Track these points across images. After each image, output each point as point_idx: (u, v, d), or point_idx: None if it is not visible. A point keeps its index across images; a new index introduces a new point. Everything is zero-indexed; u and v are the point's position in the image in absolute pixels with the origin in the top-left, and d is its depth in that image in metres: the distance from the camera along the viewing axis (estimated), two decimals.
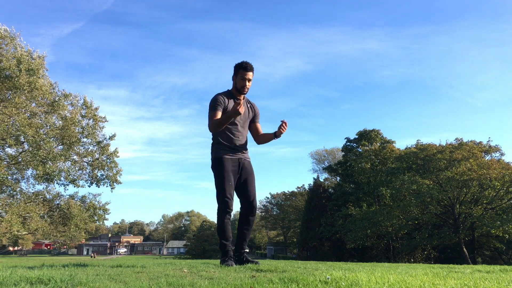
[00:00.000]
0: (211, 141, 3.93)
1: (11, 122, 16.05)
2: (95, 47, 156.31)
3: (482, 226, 25.22)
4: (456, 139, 31.12)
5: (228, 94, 3.85)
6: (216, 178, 3.71)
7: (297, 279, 2.42)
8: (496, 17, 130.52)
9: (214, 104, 3.73)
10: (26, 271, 3.18)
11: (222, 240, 3.79)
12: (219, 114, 3.67)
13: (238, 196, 3.84)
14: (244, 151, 3.88)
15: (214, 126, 3.63)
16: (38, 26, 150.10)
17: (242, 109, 3.41)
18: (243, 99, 3.87)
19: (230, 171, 3.70)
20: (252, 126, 4.02)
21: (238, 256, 3.84)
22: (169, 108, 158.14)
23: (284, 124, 3.75)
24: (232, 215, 3.91)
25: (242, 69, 3.76)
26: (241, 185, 3.82)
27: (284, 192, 59.65)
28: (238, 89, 3.81)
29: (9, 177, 16.78)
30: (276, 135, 3.83)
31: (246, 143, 3.93)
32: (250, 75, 3.77)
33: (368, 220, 29.15)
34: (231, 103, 3.77)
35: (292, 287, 2.20)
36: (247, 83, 3.78)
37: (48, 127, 17.38)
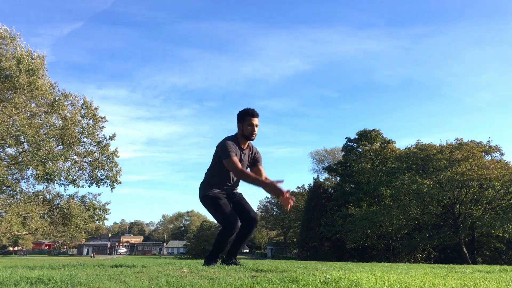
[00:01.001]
0: (202, 178, 3.97)
1: (11, 122, 16.05)
2: (95, 47, 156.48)
3: (482, 226, 25.21)
4: (456, 139, 31.13)
5: (236, 141, 3.83)
6: (213, 209, 3.77)
7: (297, 279, 2.42)
8: (496, 17, 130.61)
9: (229, 149, 3.64)
10: (26, 271, 3.18)
11: (219, 252, 3.88)
12: (237, 160, 3.65)
13: (240, 217, 3.86)
14: (235, 189, 3.99)
15: (243, 176, 3.60)
16: (37, 26, 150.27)
17: (283, 191, 3.42)
18: (247, 147, 3.90)
19: (224, 199, 3.79)
20: (254, 170, 3.98)
21: (227, 262, 3.93)
22: (169, 108, 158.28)
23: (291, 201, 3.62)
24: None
25: (248, 116, 3.78)
26: (236, 206, 3.90)
27: None
28: (246, 136, 3.81)
29: (9, 177, 16.77)
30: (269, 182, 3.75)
31: (238, 184, 4.02)
32: (257, 121, 3.81)
33: (368, 220, 29.14)
34: (237, 151, 3.77)
35: (292, 287, 2.20)
36: (255, 129, 3.80)
37: (48, 127, 17.38)
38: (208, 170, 3.94)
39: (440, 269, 4.24)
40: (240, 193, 4.03)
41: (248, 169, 3.93)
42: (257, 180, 3.52)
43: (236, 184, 3.97)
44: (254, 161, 3.99)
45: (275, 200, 64.46)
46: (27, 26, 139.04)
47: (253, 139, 3.84)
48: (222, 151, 3.67)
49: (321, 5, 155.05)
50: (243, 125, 3.78)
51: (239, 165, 3.61)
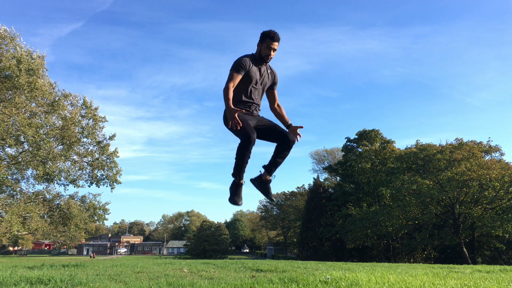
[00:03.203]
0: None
1: (11, 122, 16.04)
2: (95, 47, 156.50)
3: (482, 226, 25.21)
4: (456, 139, 31.13)
5: (253, 58, 3.88)
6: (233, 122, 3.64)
7: (297, 279, 2.41)
8: (496, 17, 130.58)
9: (237, 66, 3.72)
10: (26, 271, 3.18)
11: (241, 173, 3.72)
12: (237, 78, 3.69)
13: (275, 139, 3.83)
14: (259, 113, 3.95)
15: (224, 92, 3.64)
16: (37, 26, 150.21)
17: (238, 124, 3.44)
18: (265, 65, 3.93)
19: (244, 115, 3.69)
20: (270, 93, 4.08)
21: (265, 181, 3.84)
22: (168, 108, 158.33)
23: (299, 134, 3.83)
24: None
25: (269, 38, 3.80)
26: (270, 130, 3.84)
27: (284, 192, 59.66)
28: (262, 57, 3.86)
29: (9, 177, 16.76)
30: (289, 126, 3.93)
31: (260, 105, 3.99)
32: (276, 45, 3.86)
33: (368, 220, 29.14)
34: (253, 68, 3.81)
35: (292, 287, 2.20)
36: (272, 52, 3.84)
37: (48, 127, 17.36)
38: None
39: (440, 269, 4.25)
40: (270, 120, 3.93)
41: (261, 90, 3.91)
42: (227, 98, 3.53)
43: (258, 107, 3.91)
44: (274, 82, 4.05)
45: (275, 200, 64.47)
46: (27, 26, 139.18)
47: (268, 62, 3.89)
48: (233, 63, 3.77)
49: (321, 5, 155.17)
50: (262, 46, 3.83)
51: (231, 83, 3.64)
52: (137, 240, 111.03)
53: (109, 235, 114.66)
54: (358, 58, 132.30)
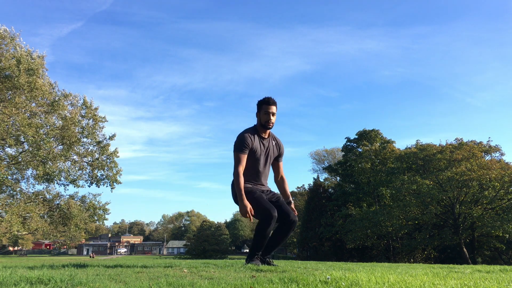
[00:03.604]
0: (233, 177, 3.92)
1: (11, 122, 16.04)
2: (95, 47, 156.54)
3: (482, 226, 25.22)
4: (456, 139, 31.14)
5: (254, 130, 3.89)
6: (252, 202, 3.65)
7: (297, 279, 2.42)
8: (496, 17, 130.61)
9: (241, 146, 3.74)
10: (26, 271, 3.18)
11: (259, 246, 3.75)
12: (244, 159, 3.73)
13: (278, 218, 3.81)
14: (266, 186, 3.97)
15: (235, 179, 3.68)
16: (37, 26, 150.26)
17: (250, 219, 3.54)
18: (269, 136, 3.95)
19: (259, 192, 3.75)
20: (275, 164, 4.09)
21: (267, 262, 3.89)
22: (168, 108, 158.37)
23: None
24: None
25: (264, 104, 3.85)
26: (277, 205, 3.81)
27: None
28: (262, 124, 3.86)
29: (9, 177, 16.76)
30: (289, 203, 4.00)
31: (266, 181, 4.02)
32: (273, 109, 3.85)
33: (368, 220, 29.15)
34: (256, 142, 3.82)
35: (292, 287, 2.20)
36: (271, 117, 3.84)
37: (48, 127, 17.36)
38: None
39: (440, 269, 4.25)
40: (278, 195, 3.97)
41: (268, 161, 3.95)
42: (239, 190, 3.58)
43: (265, 180, 3.95)
44: (279, 154, 4.06)
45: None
46: (26, 26, 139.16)
47: (270, 127, 3.88)
48: (235, 143, 3.78)
49: (321, 5, 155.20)
50: (260, 114, 3.86)
51: (241, 167, 3.68)
52: (137, 240, 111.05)
53: (109, 235, 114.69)
54: (358, 58, 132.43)
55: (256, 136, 3.84)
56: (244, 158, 3.73)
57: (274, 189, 4.10)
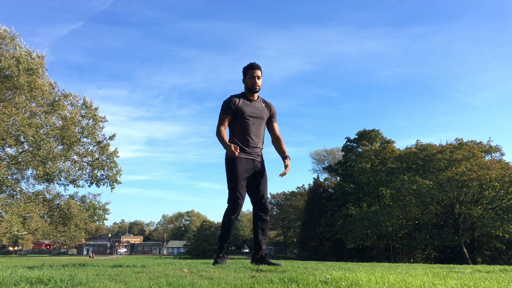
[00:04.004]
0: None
1: (11, 122, 16.04)
2: (95, 47, 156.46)
3: (482, 226, 25.21)
4: (456, 139, 31.15)
5: (240, 95, 4.00)
6: (229, 178, 3.80)
7: (297, 279, 2.42)
8: (496, 17, 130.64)
9: (225, 108, 3.89)
10: (26, 271, 3.18)
11: (225, 238, 3.87)
12: (227, 120, 3.88)
13: (250, 196, 3.92)
14: (258, 152, 3.97)
15: (217, 136, 3.84)
16: (37, 26, 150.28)
17: (236, 154, 3.62)
18: (257, 98, 4.03)
19: (243, 172, 3.79)
20: (270, 126, 4.17)
21: (259, 259, 3.90)
22: (168, 108, 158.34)
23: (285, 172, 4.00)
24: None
25: (249, 69, 3.94)
26: (254, 185, 3.90)
27: (284, 192, 59.66)
28: (249, 89, 3.96)
29: (9, 177, 16.76)
30: (285, 157, 4.06)
31: (261, 143, 4.03)
32: (258, 72, 3.94)
33: (368, 220, 29.14)
34: (242, 103, 3.90)
35: (292, 287, 2.20)
36: (256, 80, 3.92)
37: (48, 127, 17.37)
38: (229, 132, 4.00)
39: (440, 269, 4.25)
40: (263, 170, 3.97)
41: (260, 124, 4.00)
42: (223, 140, 3.75)
43: (258, 143, 3.96)
44: (271, 115, 4.12)
45: (275, 200, 64.46)
46: (26, 26, 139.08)
47: (257, 90, 3.97)
48: (220, 110, 3.91)
49: (321, 5, 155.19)
50: (246, 79, 3.97)
51: (222, 126, 3.83)
52: (137, 240, 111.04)
53: (109, 235, 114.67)
54: (358, 58, 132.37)
55: (242, 99, 3.92)
56: (226, 119, 3.86)
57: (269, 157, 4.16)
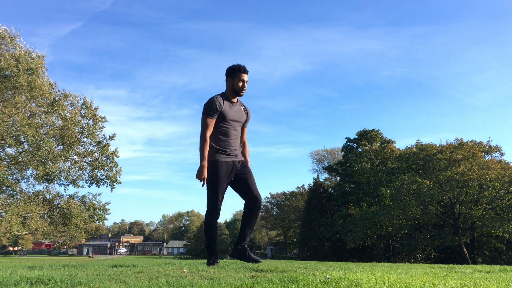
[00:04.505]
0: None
1: (11, 122, 16.04)
2: (95, 47, 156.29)
3: (482, 226, 25.21)
4: (456, 139, 31.16)
5: (223, 96, 3.90)
6: (209, 181, 3.75)
7: (297, 279, 2.42)
8: (496, 17, 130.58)
9: (209, 109, 3.77)
10: (26, 271, 3.18)
11: (211, 243, 3.89)
12: (212, 123, 3.78)
13: (242, 195, 3.91)
14: (237, 153, 3.97)
15: (201, 143, 3.75)
16: (37, 26, 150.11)
17: (204, 177, 3.66)
18: (237, 101, 3.97)
19: (223, 177, 3.77)
20: (241, 129, 4.11)
21: (240, 250, 3.89)
22: (168, 108, 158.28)
23: None
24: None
25: (240, 72, 3.84)
26: (241, 183, 3.88)
27: (284, 192, 59.65)
28: (236, 91, 3.88)
29: (9, 177, 16.76)
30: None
31: (239, 145, 4.04)
32: (246, 77, 3.88)
33: (368, 220, 29.14)
34: (226, 106, 3.83)
35: (292, 287, 2.20)
36: (245, 84, 3.88)
37: (48, 127, 17.37)
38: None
39: (440, 269, 4.25)
40: (248, 167, 3.97)
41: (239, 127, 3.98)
42: (202, 155, 3.68)
43: (237, 145, 3.95)
44: (246, 119, 4.08)
45: (275, 200, 64.48)
46: (26, 26, 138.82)
47: (242, 95, 3.93)
48: (204, 106, 3.80)
49: (321, 5, 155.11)
50: (234, 80, 3.85)
51: (208, 132, 3.74)
52: (137, 240, 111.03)
53: (109, 235, 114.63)
54: (358, 58, 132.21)
55: (225, 101, 3.84)
56: (212, 123, 3.76)
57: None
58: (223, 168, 3.76)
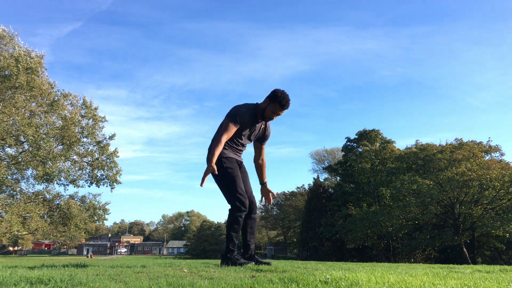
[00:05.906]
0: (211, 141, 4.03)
1: (11, 122, 16.04)
2: (94, 47, 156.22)
3: (482, 226, 25.21)
4: (456, 139, 31.15)
5: (253, 109, 3.85)
6: (227, 176, 3.74)
7: (297, 279, 2.41)
8: (496, 17, 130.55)
9: (235, 118, 3.74)
10: (26, 271, 3.18)
11: (234, 240, 3.77)
12: (233, 131, 3.73)
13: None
14: (241, 155, 4.09)
15: (215, 144, 3.67)
16: (36, 26, 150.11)
17: (202, 182, 3.64)
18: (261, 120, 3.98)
19: (238, 171, 3.84)
20: (258, 145, 4.15)
21: (248, 257, 3.90)
22: (168, 108, 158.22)
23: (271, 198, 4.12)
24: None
25: (280, 106, 3.74)
26: (245, 184, 3.96)
27: (284, 192, 59.61)
28: (264, 117, 3.85)
29: (9, 177, 16.76)
30: (264, 183, 4.12)
31: (242, 152, 4.15)
32: (283, 113, 3.84)
33: (368, 220, 29.14)
34: (250, 120, 3.84)
35: (292, 287, 2.20)
36: (276, 117, 3.86)
37: (48, 127, 17.37)
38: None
39: (440, 269, 4.25)
40: (246, 172, 4.03)
41: (250, 140, 4.03)
42: (213, 155, 3.59)
43: (243, 151, 4.06)
44: (264, 137, 4.10)
45: (275, 200, 64.51)
46: (26, 26, 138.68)
47: (266, 122, 3.98)
48: (231, 111, 3.79)
49: (321, 5, 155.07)
50: (271, 108, 3.76)
51: (226, 135, 3.68)
52: (137, 240, 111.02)
53: (109, 235, 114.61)
54: (358, 58, 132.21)
55: (253, 114, 3.84)
56: (233, 129, 3.72)
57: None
58: (236, 164, 3.86)
